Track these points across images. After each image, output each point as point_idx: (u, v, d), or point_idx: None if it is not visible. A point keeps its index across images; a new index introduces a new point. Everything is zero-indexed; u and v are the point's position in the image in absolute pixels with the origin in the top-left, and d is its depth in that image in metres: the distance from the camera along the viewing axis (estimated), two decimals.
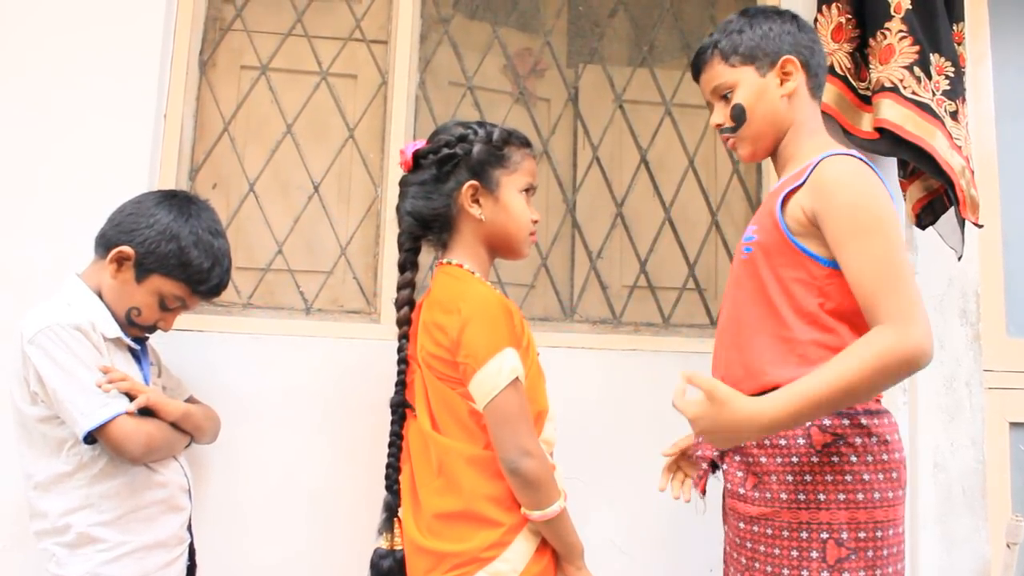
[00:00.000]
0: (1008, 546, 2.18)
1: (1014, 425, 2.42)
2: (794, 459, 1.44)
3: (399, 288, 1.70)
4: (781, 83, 1.58)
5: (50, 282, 1.91)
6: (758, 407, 1.36)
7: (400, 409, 1.67)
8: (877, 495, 1.42)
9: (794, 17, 1.63)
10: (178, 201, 1.70)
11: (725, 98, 1.62)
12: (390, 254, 2.18)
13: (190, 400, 1.81)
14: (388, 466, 1.67)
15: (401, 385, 1.68)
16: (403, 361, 1.68)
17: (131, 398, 1.58)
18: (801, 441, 1.45)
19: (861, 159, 1.49)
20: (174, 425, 1.66)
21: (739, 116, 1.60)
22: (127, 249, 1.62)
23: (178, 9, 2.19)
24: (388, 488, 1.67)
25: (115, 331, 1.64)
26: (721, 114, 1.63)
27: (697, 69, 1.67)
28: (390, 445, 1.68)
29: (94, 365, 1.56)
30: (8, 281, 1.96)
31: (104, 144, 2.04)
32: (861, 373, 1.32)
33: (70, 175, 2.02)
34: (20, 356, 1.57)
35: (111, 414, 1.52)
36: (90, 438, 1.53)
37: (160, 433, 1.62)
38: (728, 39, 1.61)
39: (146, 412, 1.61)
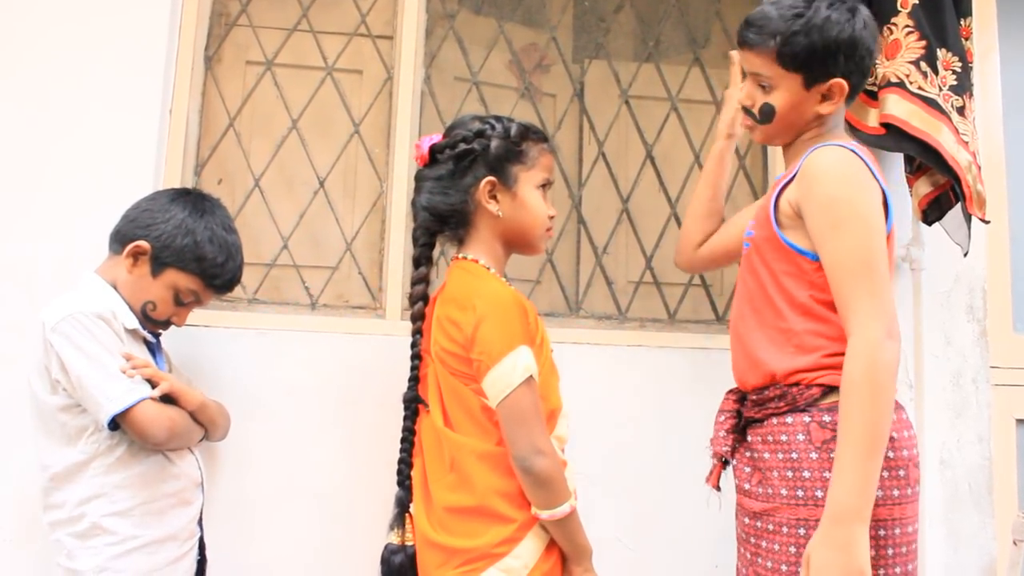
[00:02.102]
0: (1015, 543, 2.18)
1: (1021, 422, 2.42)
2: (794, 455, 1.44)
3: (414, 283, 1.69)
4: (821, 100, 1.55)
5: (56, 278, 1.92)
6: (830, 511, 1.35)
7: (413, 404, 1.67)
8: (880, 492, 1.38)
9: (866, 25, 1.53)
10: (192, 198, 1.74)
11: (761, 86, 1.58)
12: (395, 250, 2.18)
13: None
14: (400, 461, 1.67)
15: (414, 380, 1.67)
16: (416, 356, 1.67)
17: (152, 385, 1.60)
18: (801, 437, 1.44)
19: (851, 149, 1.49)
20: (192, 416, 1.68)
21: (767, 116, 1.57)
22: (144, 243, 1.66)
23: (183, 4, 2.18)
24: (400, 484, 1.66)
25: (133, 322, 1.66)
26: (751, 96, 1.60)
27: (749, 44, 1.56)
28: (402, 440, 1.67)
29: (117, 352, 1.58)
30: (13, 277, 1.96)
31: (109, 140, 2.04)
32: (866, 403, 1.35)
33: (75, 171, 2.02)
34: (41, 345, 1.58)
35: (136, 398, 1.54)
36: (113, 424, 1.54)
37: (182, 420, 1.65)
38: (791, 39, 1.49)
39: (165, 400, 1.62)
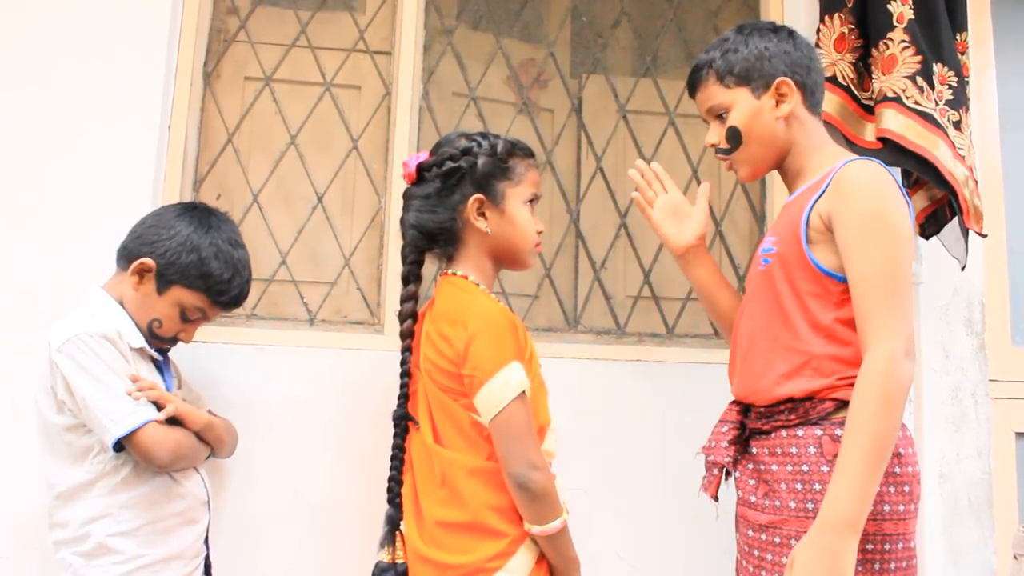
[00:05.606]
0: (1015, 557, 2.16)
1: (1020, 435, 2.41)
2: (804, 468, 1.44)
3: (403, 301, 1.69)
4: (776, 104, 1.58)
5: (55, 292, 1.93)
6: (825, 517, 1.35)
7: (403, 422, 1.67)
8: (887, 507, 1.41)
9: (791, 33, 1.62)
10: (198, 213, 1.72)
11: (720, 117, 1.62)
12: (394, 265, 2.18)
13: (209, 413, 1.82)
14: (390, 479, 1.67)
15: (404, 398, 1.67)
16: (406, 374, 1.67)
17: (158, 407, 1.59)
18: (812, 450, 1.44)
19: (882, 164, 1.50)
20: (197, 436, 1.67)
21: (734, 138, 1.60)
22: (148, 261, 1.65)
23: (182, 20, 2.19)
24: (390, 501, 1.66)
25: (139, 341, 1.66)
26: (716, 134, 1.64)
27: (693, 87, 1.67)
28: (392, 458, 1.67)
29: (123, 373, 1.58)
30: (12, 291, 1.96)
31: (108, 155, 2.04)
32: (878, 417, 1.35)
33: (73, 186, 2.02)
34: (47, 366, 1.58)
35: (141, 421, 1.54)
36: (118, 446, 1.54)
37: (187, 441, 1.63)
38: (723, 59, 1.60)
39: (170, 421, 1.61)
